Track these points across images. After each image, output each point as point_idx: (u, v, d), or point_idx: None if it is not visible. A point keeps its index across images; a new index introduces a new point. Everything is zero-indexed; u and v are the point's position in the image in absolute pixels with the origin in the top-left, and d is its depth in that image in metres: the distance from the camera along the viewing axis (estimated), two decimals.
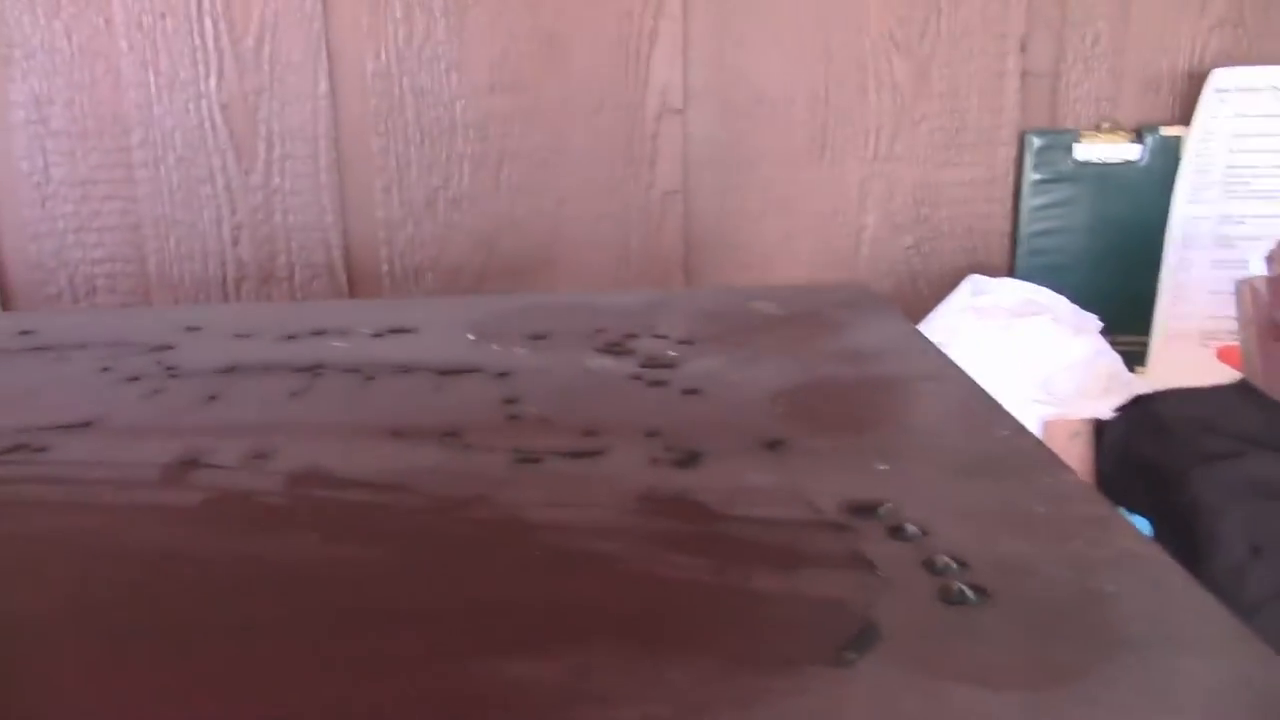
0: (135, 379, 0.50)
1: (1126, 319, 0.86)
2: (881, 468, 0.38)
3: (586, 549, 0.33)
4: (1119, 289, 0.88)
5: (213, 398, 0.48)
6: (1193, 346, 0.88)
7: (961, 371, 0.47)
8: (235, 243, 0.88)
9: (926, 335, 0.79)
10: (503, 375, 0.50)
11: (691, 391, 0.48)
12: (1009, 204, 0.91)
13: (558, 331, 0.55)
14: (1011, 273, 0.91)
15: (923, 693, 0.25)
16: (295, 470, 0.41)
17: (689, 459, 0.40)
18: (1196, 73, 0.89)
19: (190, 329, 0.57)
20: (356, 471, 0.41)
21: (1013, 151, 0.90)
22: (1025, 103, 0.90)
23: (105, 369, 0.51)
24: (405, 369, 0.51)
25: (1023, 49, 0.89)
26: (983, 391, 0.45)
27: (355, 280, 0.90)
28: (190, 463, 0.42)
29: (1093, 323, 0.81)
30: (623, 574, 0.32)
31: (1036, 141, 0.89)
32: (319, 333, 0.56)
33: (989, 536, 0.33)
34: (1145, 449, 0.65)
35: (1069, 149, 0.89)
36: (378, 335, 0.56)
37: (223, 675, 0.27)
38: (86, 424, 0.45)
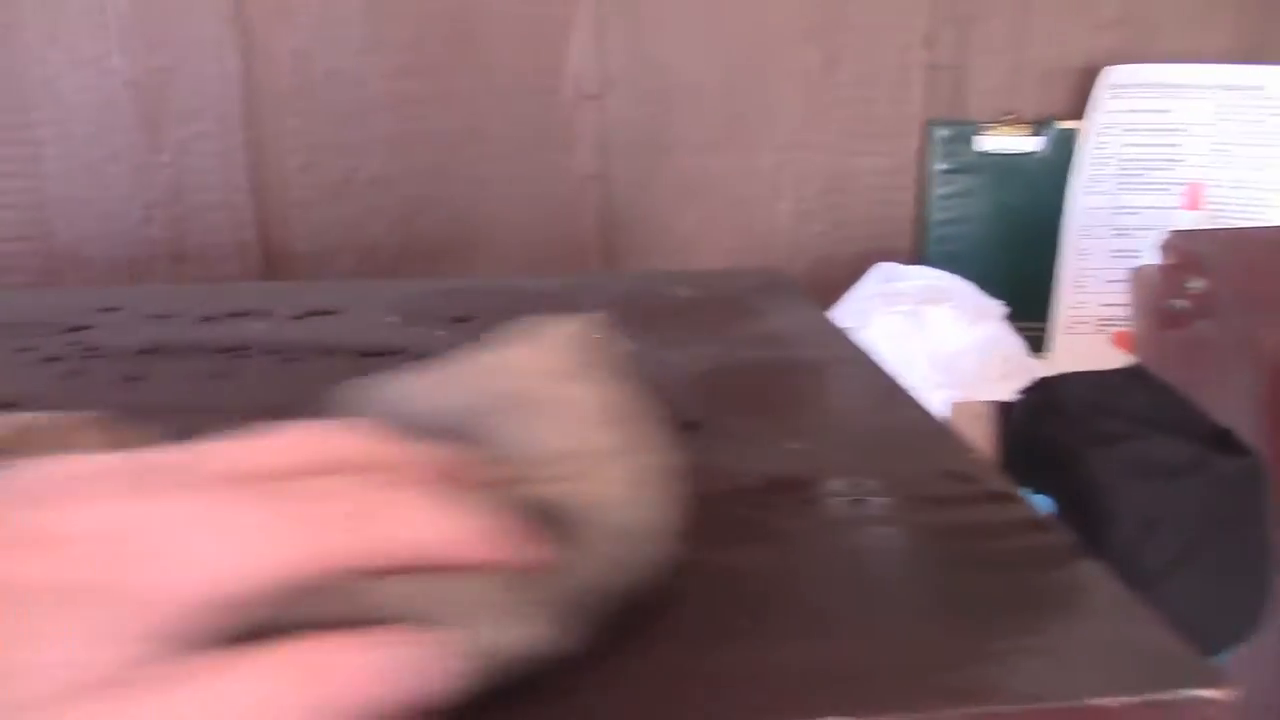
0: (54, 359, 0.50)
1: (1028, 305, 0.90)
2: (794, 447, 0.40)
3: None
4: (1021, 276, 0.92)
5: (134, 378, 0.48)
6: (1090, 332, 0.91)
7: (869, 356, 0.49)
8: (146, 222, 0.87)
9: (836, 320, 0.81)
10: (425, 357, 0.51)
11: None
12: (915, 192, 0.94)
13: (480, 314, 0.56)
14: (920, 259, 0.94)
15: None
16: None
17: None
18: (1091, 68, 0.92)
19: (107, 309, 0.56)
20: None
21: (918, 142, 0.93)
22: (930, 95, 0.92)
23: (23, 349, 0.51)
24: (328, 351, 0.51)
25: (927, 43, 0.91)
26: (890, 376, 0.47)
27: (269, 260, 0.89)
28: None
29: (996, 308, 0.84)
30: None
31: (941, 133, 0.92)
32: (238, 314, 0.56)
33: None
34: (1045, 430, 0.67)
35: (971, 140, 0.92)
36: (298, 317, 0.56)
37: None
38: (8, 405, 0.44)
